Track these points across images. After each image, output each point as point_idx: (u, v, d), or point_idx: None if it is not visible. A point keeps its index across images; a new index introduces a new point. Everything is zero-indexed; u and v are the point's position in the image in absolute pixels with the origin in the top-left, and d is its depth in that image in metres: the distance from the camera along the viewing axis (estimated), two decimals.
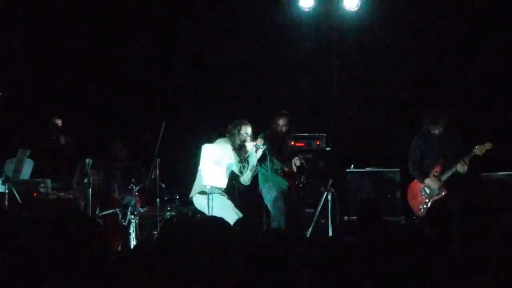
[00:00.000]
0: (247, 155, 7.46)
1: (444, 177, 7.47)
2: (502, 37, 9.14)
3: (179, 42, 9.84)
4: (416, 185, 7.72)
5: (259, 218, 8.25)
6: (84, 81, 9.80)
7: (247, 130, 7.49)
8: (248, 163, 7.46)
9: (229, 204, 7.27)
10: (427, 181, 7.55)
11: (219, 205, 7.15)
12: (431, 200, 7.54)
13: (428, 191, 7.56)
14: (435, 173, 7.51)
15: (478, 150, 7.35)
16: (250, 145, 7.45)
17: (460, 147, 7.47)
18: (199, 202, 7.37)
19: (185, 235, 2.61)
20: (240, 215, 7.09)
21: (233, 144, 7.44)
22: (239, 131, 7.45)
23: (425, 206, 7.57)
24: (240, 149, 7.46)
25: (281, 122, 7.88)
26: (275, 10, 9.59)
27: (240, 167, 7.43)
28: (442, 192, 7.49)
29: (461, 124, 8.00)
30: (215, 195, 7.20)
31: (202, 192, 7.30)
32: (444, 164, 7.51)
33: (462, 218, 7.21)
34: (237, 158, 7.41)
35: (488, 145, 7.37)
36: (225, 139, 7.50)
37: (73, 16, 9.62)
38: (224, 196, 7.33)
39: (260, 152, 7.47)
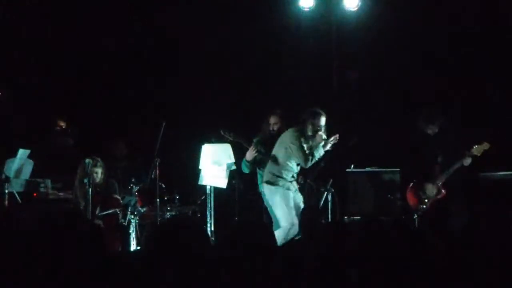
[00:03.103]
0: (315, 147, 7.38)
1: (443, 178, 7.47)
2: (502, 34, 9.14)
3: (179, 42, 9.83)
4: (415, 185, 7.73)
5: (259, 218, 8.24)
6: (83, 80, 9.79)
7: (321, 121, 7.40)
8: (313, 156, 7.38)
9: (284, 199, 7.25)
10: (426, 183, 7.56)
11: (272, 197, 7.20)
12: (431, 199, 7.55)
13: (427, 191, 7.58)
14: (434, 175, 7.51)
15: (476, 150, 7.37)
16: (319, 138, 7.37)
17: (458, 146, 7.48)
18: (266, 191, 7.39)
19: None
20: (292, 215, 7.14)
21: (302, 133, 7.38)
22: (312, 122, 7.38)
23: (424, 206, 7.57)
24: (309, 139, 7.39)
25: (272, 120, 7.88)
26: (275, 10, 9.58)
27: (306, 159, 7.33)
28: (441, 192, 7.50)
29: (459, 123, 8.00)
30: (276, 188, 7.25)
31: (268, 182, 7.34)
32: (443, 163, 7.52)
33: (462, 218, 7.21)
34: (302, 149, 7.32)
35: (486, 145, 7.38)
36: (293, 129, 7.41)
37: (73, 15, 9.63)
38: (285, 188, 7.30)
39: (328, 147, 7.40)
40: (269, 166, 7.46)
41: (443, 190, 7.51)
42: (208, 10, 9.69)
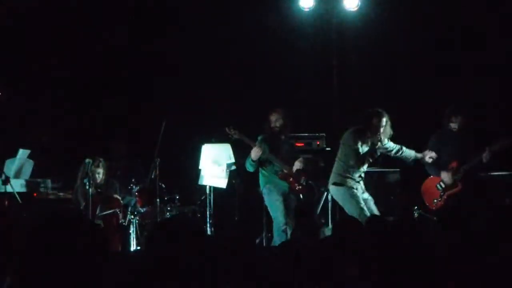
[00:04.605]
0: (373, 148, 7.23)
1: (460, 172, 7.44)
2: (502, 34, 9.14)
3: (179, 41, 9.83)
4: (431, 180, 7.69)
5: (259, 218, 8.24)
6: (83, 80, 9.79)
7: (381, 122, 7.15)
8: (365, 159, 7.23)
9: (354, 197, 7.09)
10: (443, 174, 7.53)
11: (342, 198, 7.08)
12: (446, 194, 7.52)
13: (443, 185, 7.55)
14: (452, 168, 7.49)
15: (496, 147, 7.39)
16: (377, 139, 7.16)
17: (479, 142, 7.47)
18: (334, 193, 7.31)
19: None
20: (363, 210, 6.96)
21: (360, 135, 7.18)
22: (371, 122, 7.16)
23: (439, 199, 7.54)
24: (368, 140, 7.19)
25: (272, 118, 7.78)
26: (275, 10, 9.58)
27: (360, 163, 7.17)
28: (457, 186, 7.48)
29: (479, 120, 7.98)
30: (343, 188, 7.12)
31: (336, 184, 7.23)
32: (461, 159, 7.49)
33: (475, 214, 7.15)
34: (357, 151, 7.15)
35: (507, 142, 7.40)
36: (351, 129, 7.24)
37: (73, 15, 9.63)
38: (354, 188, 7.15)
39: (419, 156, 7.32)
40: (335, 167, 7.33)
41: (459, 185, 7.48)
42: (209, 10, 9.69)
